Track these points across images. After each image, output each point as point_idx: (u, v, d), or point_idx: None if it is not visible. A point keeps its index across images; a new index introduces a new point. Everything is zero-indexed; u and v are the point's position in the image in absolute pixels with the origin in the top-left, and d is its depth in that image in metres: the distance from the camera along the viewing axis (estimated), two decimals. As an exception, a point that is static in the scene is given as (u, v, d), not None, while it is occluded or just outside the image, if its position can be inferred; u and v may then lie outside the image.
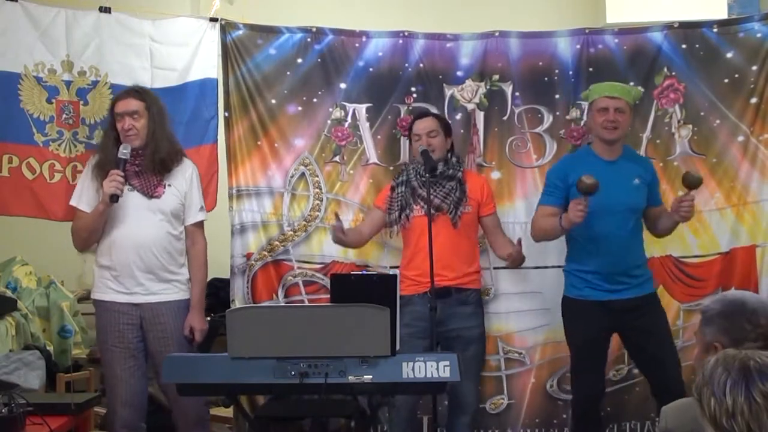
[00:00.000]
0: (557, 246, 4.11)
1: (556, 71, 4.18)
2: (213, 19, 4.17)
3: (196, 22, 4.19)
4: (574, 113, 4.18)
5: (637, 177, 3.69)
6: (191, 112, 4.10)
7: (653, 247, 3.98)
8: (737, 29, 4.16)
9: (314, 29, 4.19)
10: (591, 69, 4.16)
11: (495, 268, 4.14)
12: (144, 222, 3.61)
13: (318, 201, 4.18)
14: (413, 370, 2.79)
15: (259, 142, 4.16)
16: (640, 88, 3.99)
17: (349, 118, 4.19)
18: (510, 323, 4.15)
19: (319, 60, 4.18)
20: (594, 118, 3.73)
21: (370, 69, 4.19)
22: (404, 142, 4.14)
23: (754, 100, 4.10)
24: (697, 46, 4.14)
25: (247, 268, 4.11)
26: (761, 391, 1.56)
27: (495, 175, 4.19)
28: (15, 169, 3.88)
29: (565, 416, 4.15)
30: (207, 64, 4.13)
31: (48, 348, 4.65)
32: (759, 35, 4.13)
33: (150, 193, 3.62)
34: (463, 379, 2.90)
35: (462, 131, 4.18)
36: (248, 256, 4.11)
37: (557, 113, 4.19)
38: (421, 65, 4.19)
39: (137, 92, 3.68)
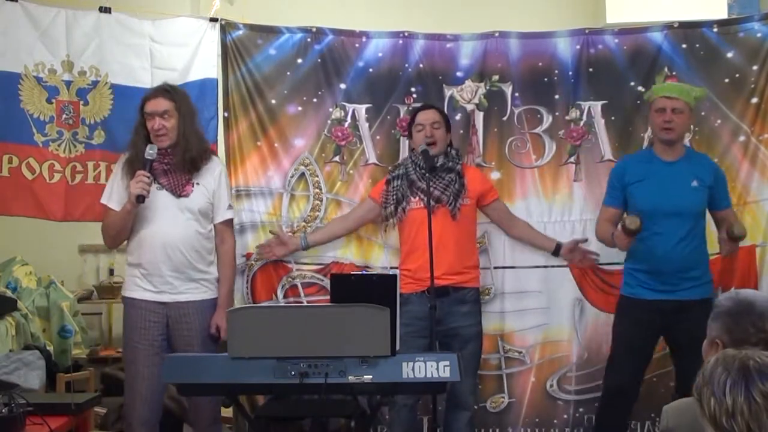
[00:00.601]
0: (557, 246, 4.14)
1: (556, 72, 4.19)
2: (213, 19, 4.18)
3: (196, 22, 4.19)
4: (574, 114, 4.18)
5: (695, 179, 3.67)
6: (192, 112, 4.10)
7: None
8: (737, 29, 4.17)
9: (314, 29, 4.19)
10: (591, 69, 4.17)
11: (495, 267, 4.14)
12: (172, 221, 3.60)
13: (318, 201, 4.18)
14: (413, 370, 2.78)
15: (258, 143, 4.16)
16: (705, 88, 3.94)
17: (348, 119, 4.19)
18: (510, 322, 4.15)
19: (319, 60, 4.18)
20: (652, 118, 3.74)
21: (370, 69, 4.19)
22: (404, 143, 4.14)
23: (754, 100, 4.11)
24: (697, 46, 4.14)
25: (247, 269, 4.12)
26: (761, 391, 1.56)
27: (494, 175, 4.19)
28: (15, 169, 3.88)
29: (565, 416, 4.16)
30: (207, 65, 4.13)
31: (48, 348, 4.66)
32: (759, 35, 4.13)
33: (178, 192, 3.62)
34: (461, 378, 2.91)
35: (461, 131, 4.18)
36: (248, 256, 4.11)
37: (557, 114, 4.19)
38: (421, 66, 4.20)
39: (167, 91, 3.66)
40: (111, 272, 5.61)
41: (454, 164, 3.85)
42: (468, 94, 4.20)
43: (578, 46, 4.17)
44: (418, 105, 4.10)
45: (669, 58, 4.15)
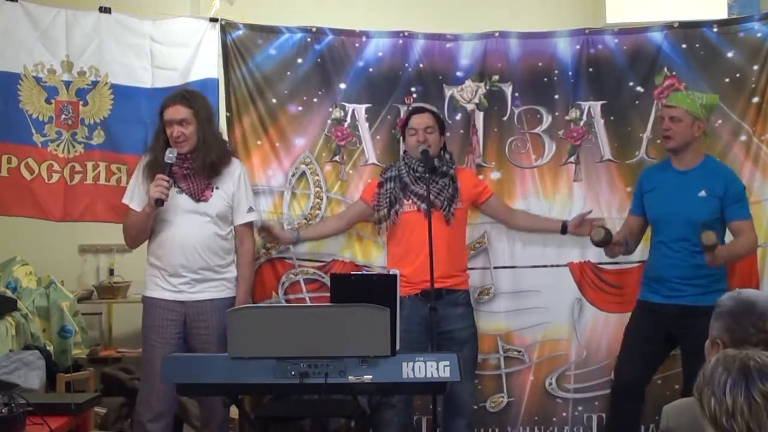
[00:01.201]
0: (556, 246, 4.14)
1: (556, 72, 4.18)
2: (213, 19, 4.17)
3: (197, 22, 4.19)
4: (574, 114, 4.18)
5: (704, 189, 3.67)
6: (193, 112, 4.11)
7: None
8: (737, 29, 4.16)
9: (314, 29, 4.19)
10: (591, 69, 4.17)
11: (495, 267, 4.14)
12: (191, 224, 3.65)
13: (318, 200, 4.19)
14: (413, 370, 2.79)
15: (259, 142, 4.16)
16: (714, 95, 3.91)
17: (348, 118, 4.19)
18: (509, 322, 4.15)
19: (319, 60, 4.18)
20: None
21: (370, 69, 4.19)
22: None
23: (755, 100, 4.10)
24: (697, 45, 4.14)
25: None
26: (761, 391, 1.56)
27: (494, 175, 4.19)
28: (14, 170, 3.88)
29: (564, 414, 4.16)
30: (207, 64, 4.13)
31: (48, 348, 4.65)
32: (759, 35, 4.13)
33: (197, 197, 3.66)
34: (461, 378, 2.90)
35: (461, 131, 4.18)
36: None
37: (557, 114, 4.19)
38: (421, 65, 4.20)
39: (185, 98, 3.68)
40: (111, 272, 5.60)
41: (447, 168, 3.85)
42: (468, 94, 4.20)
43: (578, 46, 4.17)
44: (414, 106, 4.09)
45: (669, 58, 4.14)
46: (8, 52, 3.88)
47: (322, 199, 4.18)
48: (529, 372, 4.18)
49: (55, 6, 4.00)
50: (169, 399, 3.64)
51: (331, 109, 4.19)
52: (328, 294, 3.90)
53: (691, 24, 4.20)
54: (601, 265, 4.13)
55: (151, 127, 3.87)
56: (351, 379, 2.76)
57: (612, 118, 4.18)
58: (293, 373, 2.77)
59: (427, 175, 3.71)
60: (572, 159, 4.19)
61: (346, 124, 4.19)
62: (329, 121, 4.19)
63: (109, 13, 4.04)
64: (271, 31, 4.19)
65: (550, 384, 4.18)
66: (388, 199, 3.85)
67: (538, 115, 4.20)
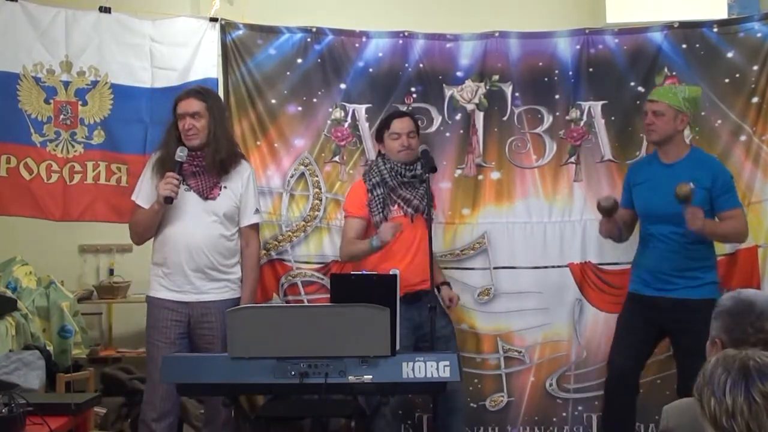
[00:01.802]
0: (556, 246, 4.14)
1: (556, 71, 4.19)
2: (213, 19, 4.17)
3: (196, 22, 4.19)
4: (574, 114, 4.18)
5: (691, 181, 3.63)
6: (192, 112, 4.11)
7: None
8: (737, 29, 4.16)
9: (314, 29, 4.19)
10: (591, 69, 4.17)
11: (495, 268, 4.15)
12: (197, 222, 3.62)
13: (317, 201, 4.18)
14: (413, 370, 2.79)
15: (258, 142, 4.16)
16: (699, 87, 3.91)
17: (348, 119, 4.19)
18: (509, 322, 4.16)
19: (319, 60, 4.18)
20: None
21: (370, 69, 4.19)
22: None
23: (755, 100, 4.10)
24: (697, 45, 4.14)
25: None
26: (761, 391, 1.56)
27: (495, 175, 4.19)
28: (13, 170, 3.88)
29: (564, 414, 4.16)
30: (207, 64, 4.13)
31: (48, 348, 4.64)
32: (759, 35, 4.13)
33: (205, 195, 3.64)
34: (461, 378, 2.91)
35: (461, 131, 4.18)
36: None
37: (557, 113, 4.19)
38: (421, 65, 4.20)
39: (199, 93, 3.68)
40: (111, 272, 5.59)
41: (423, 174, 3.76)
42: (468, 94, 4.20)
43: (578, 46, 4.17)
44: (393, 110, 4.04)
45: (669, 58, 4.15)
46: (7, 52, 3.88)
47: (321, 201, 4.18)
48: (529, 372, 4.18)
49: (54, 6, 4.00)
50: (174, 398, 3.63)
51: (331, 110, 4.18)
52: (327, 296, 3.91)
53: (691, 24, 4.21)
54: (601, 266, 4.13)
55: (151, 127, 3.87)
56: (351, 379, 2.77)
57: (612, 118, 4.18)
58: (293, 373, 2.77)
59: (428, 175, 3.68)
60: (573, 159, 4.20)
61: (346, 125, 4.19)
62: (329, 122, 4.19)
63: (109, 13, 4.04)
64: (271, 31, 4.19)
65: (551, 384, 4.18)
66: (380, 204, 3.80)
67: (539, 115, 4.20)
